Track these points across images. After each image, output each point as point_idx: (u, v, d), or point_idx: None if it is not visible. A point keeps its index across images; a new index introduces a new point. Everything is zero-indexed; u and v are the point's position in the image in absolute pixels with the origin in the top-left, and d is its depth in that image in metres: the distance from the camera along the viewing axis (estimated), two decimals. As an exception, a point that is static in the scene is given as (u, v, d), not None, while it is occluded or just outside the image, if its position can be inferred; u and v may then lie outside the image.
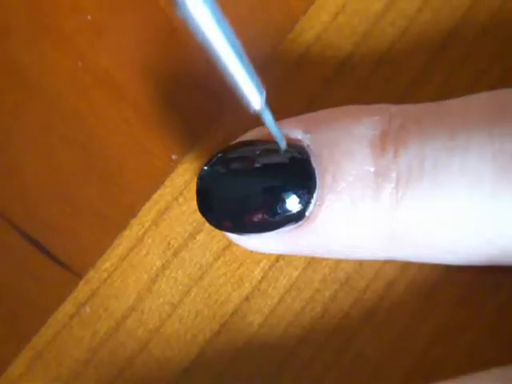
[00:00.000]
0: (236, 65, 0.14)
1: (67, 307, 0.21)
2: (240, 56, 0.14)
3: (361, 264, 0.21)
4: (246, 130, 0.20)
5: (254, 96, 0.15)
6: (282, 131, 0.18)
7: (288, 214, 0.18)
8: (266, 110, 0.16)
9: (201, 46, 0.13)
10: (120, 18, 0.21)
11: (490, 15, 0.22)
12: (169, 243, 0.22)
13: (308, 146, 0.19)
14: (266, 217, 0.18)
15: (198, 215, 0.20)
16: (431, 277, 0.21)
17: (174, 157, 0.22)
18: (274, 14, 0.22)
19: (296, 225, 0.19)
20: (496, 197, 0.17)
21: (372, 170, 0.18)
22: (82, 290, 0.21)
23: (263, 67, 0.22)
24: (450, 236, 0.18)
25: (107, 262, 0.21)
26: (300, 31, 0.22)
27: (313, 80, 0.22)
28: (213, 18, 0.13)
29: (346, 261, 0.21)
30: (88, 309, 0.21)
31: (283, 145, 0.18)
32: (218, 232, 0.21)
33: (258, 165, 0.19)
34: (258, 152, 0.19)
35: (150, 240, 0.22)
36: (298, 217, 0.18)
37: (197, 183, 0.19)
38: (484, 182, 0.17)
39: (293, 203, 0.18)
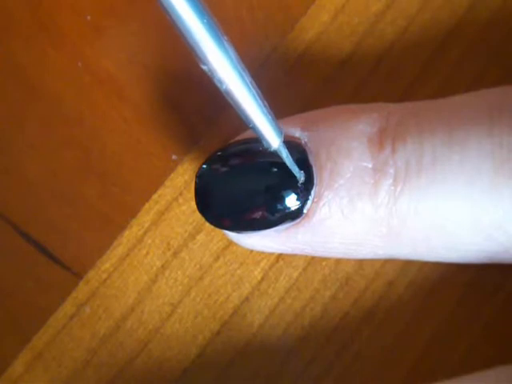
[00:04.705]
0: (256, 109, 0.16)
1: (67, 307, 0.21)
2: (259, 101, 0.16)
3: (361, 264, 0.21)
4: (245, 130, 0.20)
5: (273, 138, 0.17)
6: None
7: (286, 211, 0.18)
8: (283, 147, 0.17)
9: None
10: (120, 18, 0.22)
11: (490, 15, 0.22)
12: (169, 243, 0.22)
13: (305, 143, 0.19)
14: (264, 214, 0.18)
15: (198, 215, 0.20)
16: (431, 277, 0.20)
17: (173, 157, 0.22)
18: (274, 14, 0.22)
19: (294, 222, 0.19)
20: (495, 192, 0.17)
21: (370, 166, 0.18)
22: (81, 290, 0.21)
23: (263, 67, 0.22)
24: (449, 232, 0.18)
25: (107, 262, 0.21)
26: (300, 31, 0.23)
27: (313, 79, 0.22)
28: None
29: (346, 261, 0.21)
30: (88, 309, 0.21)
31: (300, 176, 0.18)
32: (217, 232, 0.21)
33: (255, 163, 0.19)
34: (255, 150, 0.19)
35: (149, 240, 0.22)
36: (296, 214, 0.18)
37: (195, 182, 0.19)
38: (483, 177, 0.17)
39: (291, 200, 0.18)
